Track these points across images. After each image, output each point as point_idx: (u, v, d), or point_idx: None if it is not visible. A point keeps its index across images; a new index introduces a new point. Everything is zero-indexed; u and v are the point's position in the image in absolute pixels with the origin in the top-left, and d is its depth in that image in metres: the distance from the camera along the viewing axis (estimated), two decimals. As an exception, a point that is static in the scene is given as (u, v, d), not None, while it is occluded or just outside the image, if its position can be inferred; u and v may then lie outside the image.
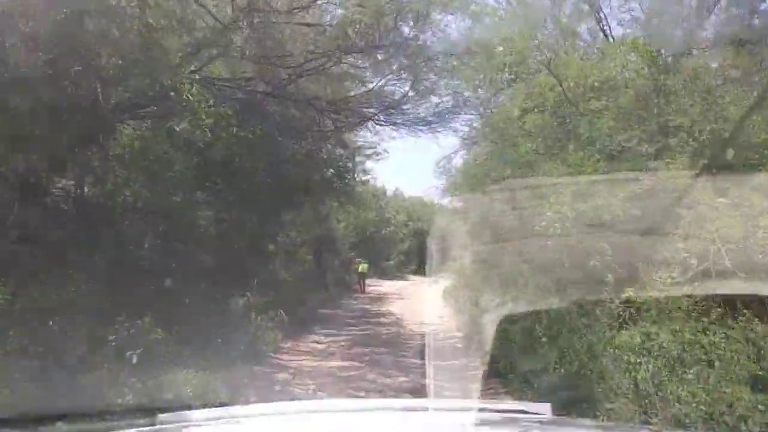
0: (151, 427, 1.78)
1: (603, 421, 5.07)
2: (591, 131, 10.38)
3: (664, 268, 8.75)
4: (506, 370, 7.91)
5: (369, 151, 16.85)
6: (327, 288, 18.23)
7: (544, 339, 7.64)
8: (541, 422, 1.89)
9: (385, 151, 16.87)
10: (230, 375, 6.68)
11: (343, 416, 1.94)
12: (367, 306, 17.68)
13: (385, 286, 27.89)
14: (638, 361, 6.95)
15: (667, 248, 8.76)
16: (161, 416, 1.81)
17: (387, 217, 34.17)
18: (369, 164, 20.19)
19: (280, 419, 1.88)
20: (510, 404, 2.29)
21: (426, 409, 2.08)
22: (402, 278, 34.29)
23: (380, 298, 20.56)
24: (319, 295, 16.81)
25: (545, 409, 1.94)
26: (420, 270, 39.35)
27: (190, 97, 7.19)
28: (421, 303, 19.04)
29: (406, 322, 13.81)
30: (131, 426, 2.00)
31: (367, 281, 26.25)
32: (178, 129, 8.05)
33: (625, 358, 6.97)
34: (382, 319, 14.32)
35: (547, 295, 9.83)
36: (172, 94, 7.06)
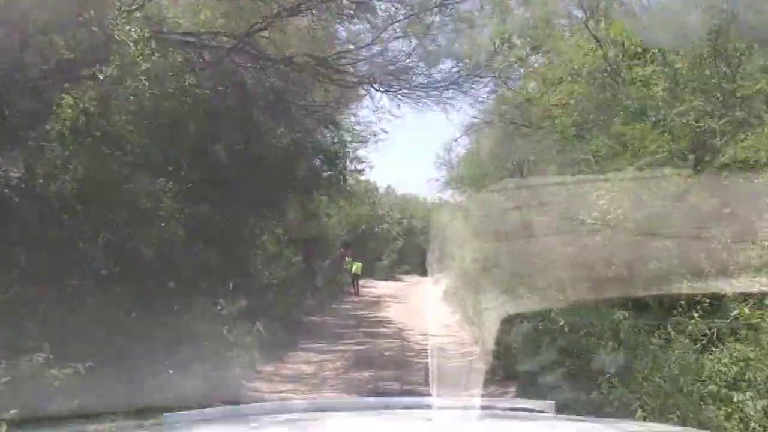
0: (157, 426, 1.81)
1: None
2: (640, 101, 8.46)
3: (746, 274, 6.88)
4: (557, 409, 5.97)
5: (364, 132, 14.45)
6: (317, 291, 16.23)
7: (611, 368, 5.68)
8: (545, 420, 1.85)
9: (383, 131, 14.56)
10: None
11: (345, 415, 1.91)
12: (363, 312, 15.70)
13: (380, 287, 25.91)
14: (744, 401, 5.06)
15: (751, 249, 6.88)
16: (166, 415, 1.78)
17: (380, 214, 32.15)
18: (362, 152, 18.01)
19: (284, 417, 1.85)
20: (514, 402, 2.21)
21: (429, 407, 1.94)
22: (396, 279, 32.32)
23: (376, 302, 18.58)
24: (308, 300, 14.82)
25: (549, 406, 1.89)
26: (414, 270, 37.41)
27: (126, 40, 5.18)
28: (422, 308, 17.09)
29: (409, 332, 11.85)
30: (138, 426, 2.29)
31: (360, 282, 24.33)
32: (101, 77, 5.98)
33: (732, 397, 5.07)
34: (382, 329, 12.35)
35: (598, 305, 7.84)
36: (95, 30, 5.04)
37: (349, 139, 15.06)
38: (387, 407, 2.00)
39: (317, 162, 13.54)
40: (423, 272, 39.44)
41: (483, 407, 1.90)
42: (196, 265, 9.85)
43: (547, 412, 1.90)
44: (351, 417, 1.92)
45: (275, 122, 11.30)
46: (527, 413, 1.92)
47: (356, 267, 21.26)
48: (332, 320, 13.79)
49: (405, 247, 36.25)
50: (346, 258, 21.78)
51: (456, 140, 15.12)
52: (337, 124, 12.72)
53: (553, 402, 1.95)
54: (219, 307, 9.49)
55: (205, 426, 1.81)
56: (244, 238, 13.09)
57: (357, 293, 20.93)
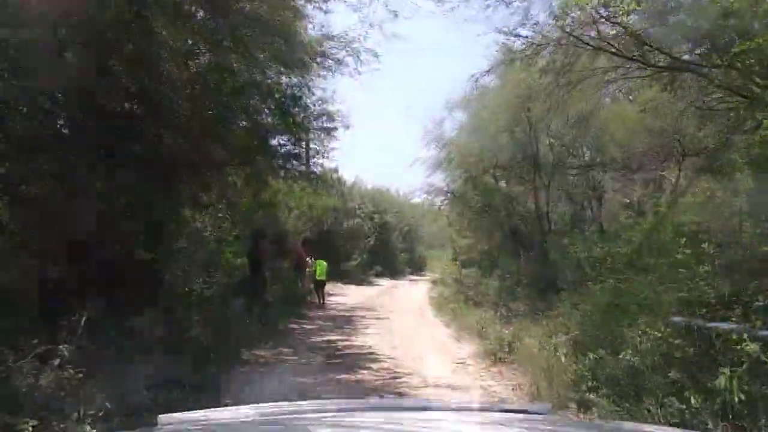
0: (153, 427, 1.72)
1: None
2: None
3: None
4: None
5: (339, 53, 8.72)
6: (268, 305, 11.66)
7: None
8: (541, 421, 1.82)
9: (373, 54, 8.87)
10: None
11: (344, 415, 1.85)
12: (332, 335, 11.17)
13: (350, 294, 21.46)
14: None
15: None
16: (161, 417, 1.73)
17: (350, 207, 27.62)
18: (334, 105, 13.31)
19: (282, 419, 1.80)
20: (511, 404, 2.11)
21: (425, 409, 1.94)
22: (368, 282, 27.87)
23: (348, 318, 14.08)
24: (252, 325, 10.28)
25: (546, 408, 1.90)
26: (388, 272, 33.05)
27: None
28: (413, 327, 12.71)
29: (409, 378, 7.42)
30: (132, 427, 2.16)
31: (326, 288, 19.93)
32: None
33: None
34: (364, 374, 7.82)
35: None
36: None
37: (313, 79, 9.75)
38: (385, 408, 1.98)
39: (266, 115, 8.80)
40: (397, 274, 35.14)
41: (479, 408, 1.90)
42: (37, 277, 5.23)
43: (543, 413, 1.86)
44: (349, 418, 1.82)
45: (192, 39, 6.70)
46: (523, 414, 1.88)
47: (321, 270, 16.67)
48: (287, 355, 9.23)
49: (377, 246, 31.87)
50: (308, 259, 17.14)
51: (475, 80, 10.37)
52: (293, 40, 7.70)
53: (550, 404, 2.01)
54: (57, 361, 4.90)
55: (201, 428, 1.76)
56: (151, 230, 8.51)
57: (322, 304, 16.38)
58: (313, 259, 17.06)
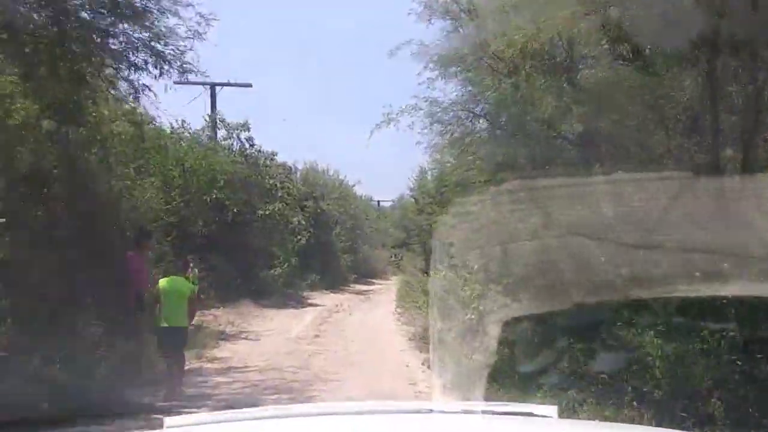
0: (158, 430, 1.69)
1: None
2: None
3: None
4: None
5: None
6: None
7: None
8: (547, 423, 1.79)
9: None
10: None
11: (346, 418, 1.87)
12: None
13: (265, 332, 11.86)
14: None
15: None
16: (167, 419, 1.69)
17: (270, 185, 17.79)
18: None
19: (284, 421, 1.83)
20: (515, 406, 1.92)
21: (430, 412, 1.95)
22: (298, 301, 18.24)
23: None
24: None
25: (551, 410, 1.80)
26: (328, 281, 23.54)
27: None
28: None
29: None
30: (137, 428, 2.16)
31: (229, 318, 10.60)
32: None
33: None
34: None
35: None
36: None
37: None
38: (388, 411, 1.96)
39: None
40: (340, 284, 25.69)
41: (484, 411, 1.90)
42: None
43: (549, 416, 1.80)
44: (351, 421, 1.83)
45: None
46: (529, 417, 1.82)
47: (174, 301, 6.81)
48: None
49: (311, 245, 22.29)
50: (185, 272, 7.43)
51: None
52: None
53: (555, 406, 1.82)
54: None
55: (207, 430, 1.78)
56: None
57: (175, 389, 6.53)
58: (186, 268, 7.38)
